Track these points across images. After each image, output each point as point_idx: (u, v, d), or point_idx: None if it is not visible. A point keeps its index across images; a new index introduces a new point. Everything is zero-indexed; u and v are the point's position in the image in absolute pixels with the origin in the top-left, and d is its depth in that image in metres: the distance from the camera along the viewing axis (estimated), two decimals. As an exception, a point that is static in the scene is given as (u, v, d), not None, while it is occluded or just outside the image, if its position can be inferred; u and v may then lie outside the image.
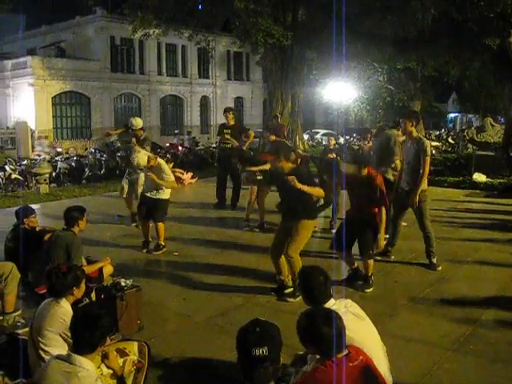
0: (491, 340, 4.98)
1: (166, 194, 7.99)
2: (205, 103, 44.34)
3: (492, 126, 19.82)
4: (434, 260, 7.20)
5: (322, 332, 2.89)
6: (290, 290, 6.16)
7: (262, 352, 2.53)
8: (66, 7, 36.96)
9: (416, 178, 7.12)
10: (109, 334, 3.38)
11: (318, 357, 2.98)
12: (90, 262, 6.06)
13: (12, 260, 5.80)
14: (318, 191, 6.03)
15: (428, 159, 7.06)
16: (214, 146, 21.85)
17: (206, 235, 9.20)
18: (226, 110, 11.58)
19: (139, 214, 8.31)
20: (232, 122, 11.32)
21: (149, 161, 7.70)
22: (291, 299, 5.99)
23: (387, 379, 3.43)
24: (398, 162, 8.20)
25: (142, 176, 9.07)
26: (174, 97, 42.91)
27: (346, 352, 2.92)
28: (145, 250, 8.06)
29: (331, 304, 3.62)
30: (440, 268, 7.11)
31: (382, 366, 3.43)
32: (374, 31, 19.06)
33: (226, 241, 8.70)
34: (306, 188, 5.77)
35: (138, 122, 9.99)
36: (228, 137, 10.97)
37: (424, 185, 7.15)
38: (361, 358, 2.96)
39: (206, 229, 9.67)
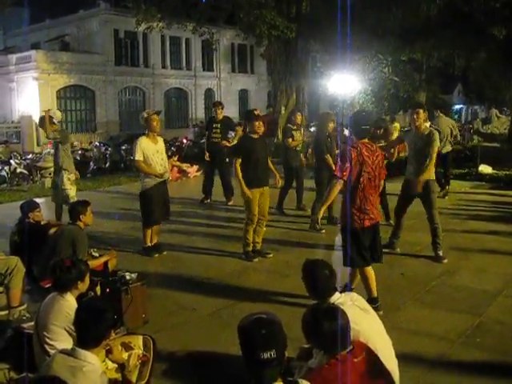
0: (497, 333, 4.96)
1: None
2: (209, 96, 44.24)
3: (498, 117, 19.76)
4: (440, 252, 7.17)
5: (325, 329, 2.86)
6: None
7: (270, 355, 2.50)
8: (70, 1, 36.87)
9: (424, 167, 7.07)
10: (113, 328, 3.37)
11: (322, 351, 2.97)
12: (94, 257, 6.06)
13: (17, 254, 5.82)
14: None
15: (436, 150, 7.02)
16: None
17: (210, 229, 9.20)
18: (215, 105, 11.59)
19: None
20: (221, 117, 11.28)
21: None
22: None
23: (394, 372, 3.41)
24: None
25: (63, 178, 8.78)
26: (179, 90, 42.84)
27: (349, 348, 2.90)
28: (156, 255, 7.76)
29: (336, 297, 3.60)
30: (446, 260, 7.08)
31: (389, 359, 3.41)
32: (379, 22, 18.94)
33: (230, 234, 8.68)
34: None
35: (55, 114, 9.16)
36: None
37: (432, 176, 7.11)
38: (364, 353, 2.94)
39: (209, 222, 9.67)
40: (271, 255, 7.40)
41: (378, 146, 5.63)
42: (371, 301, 5.14)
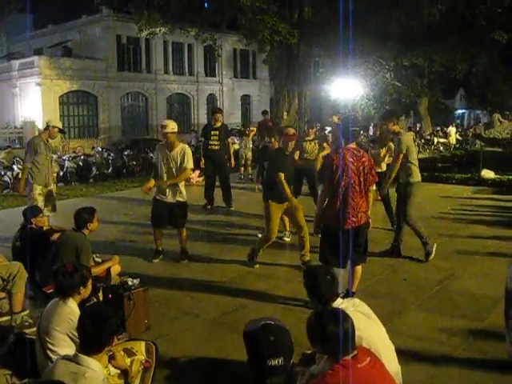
0: (501, 338, 4.93)
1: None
2: (212, 101, 44.31)
3: (500, 122, 19.68)
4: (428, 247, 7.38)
5: (329, 332, 2.86)
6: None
7: (278, 362, 2.49)
8: (73, 7, 37.00)
9: (404, 170, 7.35)
10: (116, 334, 3.37)
11: (326, 357, 2.96)
12: (96, 262, 6.04)
13: (20, 259, 5.80)
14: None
15: (400, 151, 7.25)
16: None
17: (212, 234, 9.20)
18: (215, 111, 11.56)
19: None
20: (219, 124, 11.23)
21: None
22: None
23: (396, 378, 3.40)
24: None
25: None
26: (181, 95, 42.93)
27: (353, 353, 2.89)
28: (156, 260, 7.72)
29: (339, 303, 3.60)
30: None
31: (391, 365, 3.40)
32: (381, 27, 18.98)
33: (232, 240, 8.68)
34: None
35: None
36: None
37: (414, 177, 7.35)
38: (369, 358, 2.92)
39: (211, 228, 9.66)
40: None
41: (365, 152, 5.69)
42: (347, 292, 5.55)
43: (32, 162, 8.13)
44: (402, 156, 7.21)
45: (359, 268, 5.75)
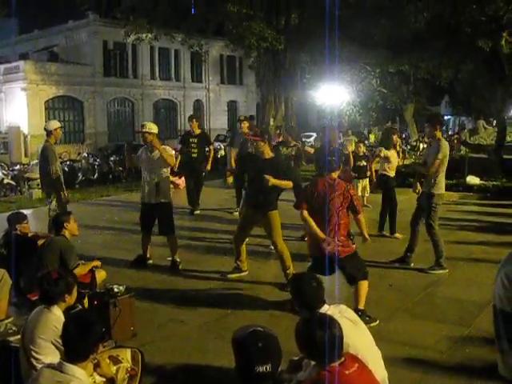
0: (486, 344, 4.96)
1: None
2: (198, 107, 44.29)
3: (485, 128, 19.91)
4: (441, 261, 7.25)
5: (317, 338, 2.84)
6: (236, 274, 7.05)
7: (266, 369, 2.47)
8: (59, 12, 36.83)
9: (429, 180, 7.26)
10: (101, 341, 3.33)
11: (313, 363, 2.95)
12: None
13: (4, 266, 5.74)
14: (286, 184, 6.48)
15: (436, 159, 7.07)
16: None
17: (198, 241, 9.15)
18: (191, 118, 11.59)
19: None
20: (198, 131, 11.25)
21: None
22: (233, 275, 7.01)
23: (383, 384, 3.40)
24: None
25: None
26: (168, 101, 42.85)
27: (341, 360, 2.88)
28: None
29: (325, 309, 3.59)
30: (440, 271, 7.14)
31: (378, 371, 3.40)
32: (367, 34, 19.09)
33: (219, 246, 8.65)
34: (277, 182, 6.29)
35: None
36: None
37: (438, 189, 7.21)
38: (356, 365, 2.91)
39: (197, 234, 9.61)
40: None
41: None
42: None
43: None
44: (438, 163, 7.09)
45: (361, 283, 5.53)
